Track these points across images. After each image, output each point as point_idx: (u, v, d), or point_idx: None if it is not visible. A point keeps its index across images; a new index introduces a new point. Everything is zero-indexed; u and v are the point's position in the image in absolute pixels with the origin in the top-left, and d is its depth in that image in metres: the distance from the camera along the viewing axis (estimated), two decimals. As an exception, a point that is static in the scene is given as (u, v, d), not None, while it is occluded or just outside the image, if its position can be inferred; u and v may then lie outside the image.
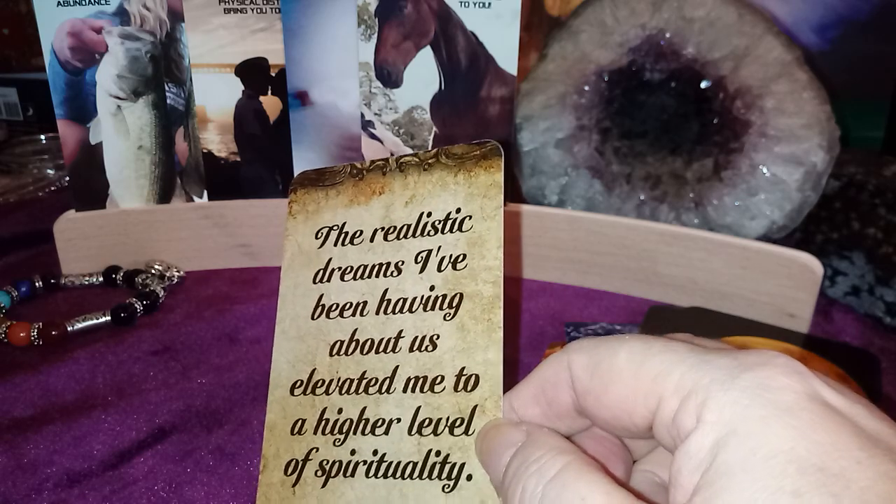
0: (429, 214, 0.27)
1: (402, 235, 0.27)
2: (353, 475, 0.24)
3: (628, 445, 0.23)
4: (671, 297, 0.51)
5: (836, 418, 0.16)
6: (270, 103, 0.53)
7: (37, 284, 0.53)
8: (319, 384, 0.26)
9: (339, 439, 0.25)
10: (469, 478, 0.22)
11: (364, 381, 0.25)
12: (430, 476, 0.23)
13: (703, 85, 0.52)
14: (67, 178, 0.64)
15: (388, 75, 0.51)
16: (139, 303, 0.50)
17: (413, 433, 0.23)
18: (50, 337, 0.47)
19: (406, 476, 0.23)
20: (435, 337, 0.24)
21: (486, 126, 0.52)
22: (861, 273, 0.50)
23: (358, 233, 0.28)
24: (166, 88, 0.52)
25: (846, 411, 0.17)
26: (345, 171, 0.29)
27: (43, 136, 0.80)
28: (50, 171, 0.75)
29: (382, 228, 0.27)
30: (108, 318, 0.49)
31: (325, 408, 0.25)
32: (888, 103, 0.62)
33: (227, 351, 0.47)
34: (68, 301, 0.52)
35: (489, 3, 0.49)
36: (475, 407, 0.23)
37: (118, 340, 0.48)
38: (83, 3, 0.49)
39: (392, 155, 0.28)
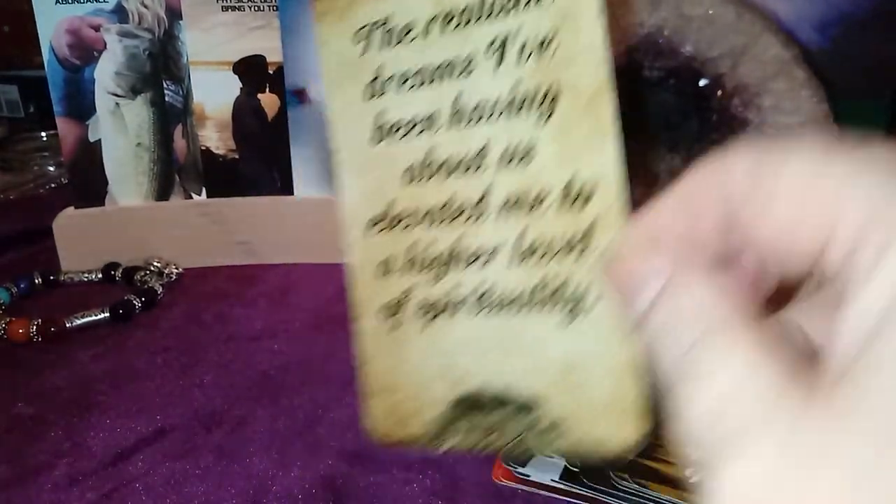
0: None
1: (465, 22, 0.22)
2: (457, 313, 0.22)
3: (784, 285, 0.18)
4: (668, 295, 0.51)
5: None
6: (268, 101, 0.53)
7: (36, 281, 0.53)
8: (401, 217, 0.22)
9: (436, 276, 0.22)
10: (592, 305, 0.20)
11: (452, 208, 0.22)
12: (545, 307, 0.20)
13: (702, 83, 0.52)
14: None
15: (386, 73, 0.51)
16: (138, 300, 0.50)
17: (520, 260, 0.21)
18: (49, 333, 0.47)
19: (518, 309, 0.21)
20: (529, 145, 0.21)
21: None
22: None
23: (407, 27, 0.22)
24: (164, 86, 0.52)
25: None
26: None
27: (44, 134, 0.80)
28: (51, 169, 0.75)
29: (437, 17, 0.22)
30: (107, 314, 0.49)
31: (413, 243, 0.22)
32: (889, 101, 0.62)
33: (226, 348, 0.47)
34: (67, 297, 0.53)
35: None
36: (592, 222, 0.19)
37: (117, 337, 0.48)
38: (81, 0, 0.49)
39: None
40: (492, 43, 0.21)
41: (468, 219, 0.21)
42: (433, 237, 0.22)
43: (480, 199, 0.21)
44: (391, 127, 0.23)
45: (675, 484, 0.34)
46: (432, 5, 0.22)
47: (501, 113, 0.21)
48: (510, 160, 0.21)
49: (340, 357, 0.46)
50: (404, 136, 0.22)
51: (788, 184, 0.15)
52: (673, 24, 0.52)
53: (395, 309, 0.22)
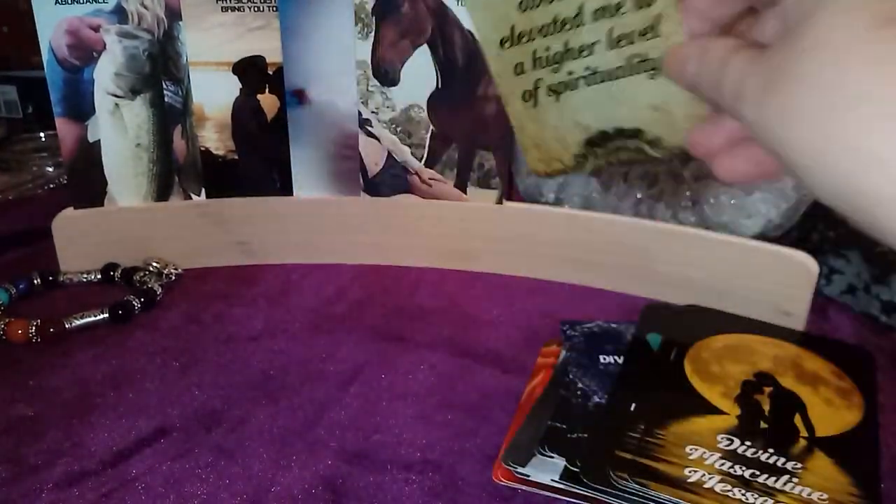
0: None
1: None
2: (576, 88, 0.31)
3: None
4: (667, 296, 0.51)
5: None
6: (268, 101, 0.53)
7: (35, 281, 0.53)
8: (522, 35, 0.31)
9: (556, 68, 0.31)
10: (665, 66, 0.29)
11: (558, 23, 0.30)
12: (635, 72, 0.29)
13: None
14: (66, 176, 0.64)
15: (386, 74, 0.51)
16: (137, 300, 0.50)
17: (612, 48, 0.29)
18: (48, 334, 0.47)
19: (617, 77, 0.30)
20: None
21: (483, 124, 0.52)
22: (857, 271, 0.50)
23: None
24: (164, 86, 0.52)
25: None
26: None
27: (42, 134, 0.80)
28: (49, 169, 0.75)
29: None
30: (106, 315, 0.49)
31: (535, 49, 0.31)
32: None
33: (225, 349, 0.47)
34: (66, 298, 0.53)
35: (486, 2, 0.49)
36: (658, 14, 0.28)
37: (116, 337, 0.48)
38: (81, 0, 0.49)
39: None
40: None
41: (571, 28, 0.30)
42: (548, 43, 0.31)
43: (577, 14, 0.29)
44: None
45: (675, 484, 0.34)
46: None
47: None
48: None
49: (340, 357, 0.46)
50: None
51: None
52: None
53: (531, 93, 0.32)
